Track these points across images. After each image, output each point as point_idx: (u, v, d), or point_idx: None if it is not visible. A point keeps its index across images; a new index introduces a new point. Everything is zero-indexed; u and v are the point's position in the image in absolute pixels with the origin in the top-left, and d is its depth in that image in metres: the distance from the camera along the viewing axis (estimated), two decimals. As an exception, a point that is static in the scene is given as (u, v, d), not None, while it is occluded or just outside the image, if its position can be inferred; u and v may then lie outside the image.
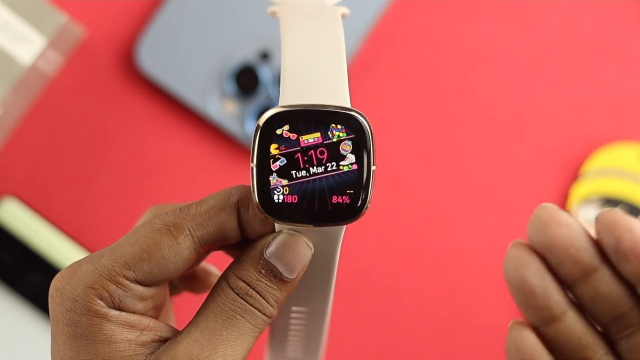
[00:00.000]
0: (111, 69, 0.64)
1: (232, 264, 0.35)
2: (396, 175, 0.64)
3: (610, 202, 0.64)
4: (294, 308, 0.39)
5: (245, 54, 0.63)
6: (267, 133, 0.33)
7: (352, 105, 0.34)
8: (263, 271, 0.35)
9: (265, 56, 0.63)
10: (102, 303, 0.34)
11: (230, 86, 0.63)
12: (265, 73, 0.63)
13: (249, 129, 0.63)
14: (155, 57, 0.63)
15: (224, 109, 0.63)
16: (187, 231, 0.35)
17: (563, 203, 0.62)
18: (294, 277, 0.35)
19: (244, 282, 0.34)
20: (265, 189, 0.34)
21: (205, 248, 0.35)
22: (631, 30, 0.65)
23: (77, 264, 0.35)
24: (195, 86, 0.63)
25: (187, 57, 0.63)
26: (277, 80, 0.63)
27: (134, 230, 0.35)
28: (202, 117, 0.64)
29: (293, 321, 0.40)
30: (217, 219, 0.35)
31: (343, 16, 0.37)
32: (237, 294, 0.34)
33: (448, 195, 0.64)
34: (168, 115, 0.64)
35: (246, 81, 0.63)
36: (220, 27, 0.63)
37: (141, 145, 0.64)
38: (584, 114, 0.65)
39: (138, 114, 0.64)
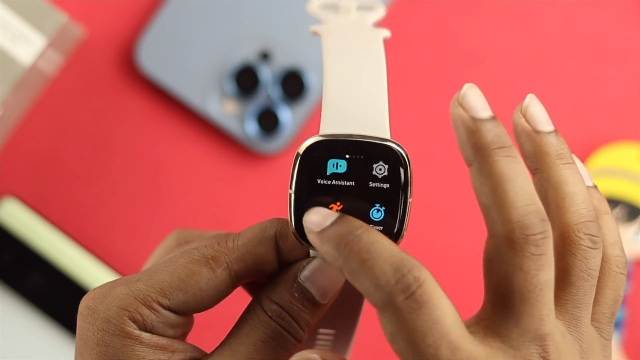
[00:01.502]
0: (111, 69, 0.64)
1: (265, 287, 0.36)
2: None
3: (611, 202, 0.64)
4: (322, 330, 0.39)
5: (245, 54, 0.63)
6: (307, 161, 0.34)
7: (391, 136, 0.34)
8: (297, 295, 0.35)
9: (265, 56, 0.63)
10: (134, 325, 0.34)
11: (230, 86, 0.63)
12: (265, 73, 0.63)
13: (249, 129, 0.63)
14: (155, 57, 0.63)
15: (224, 109, 0.63)
16: (226, 264, 0.35)
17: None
18: (326, 301, 0.35)
19: (278, 305, 0.35)
20: (302, 217, 0.34)
21: (241, 282, 0.36)
22: (631, 30, 0.65)
23: (111, 285, 0.35)
24: (195, 86, 0.63)
25: (187, 57, 0.63)
26: (277, 80, 0.63)
27: (172, 259, 0.35)
28: (202, 117, 0.64)
29: (319, 342, 0.40)
30: (255, 252, 0.35)
31: (384, 39, 0.37)
32: (270, 317, 0.35)
33: (448, 195, 0.64)
34: (168, 115, 0.64)
35: (246, 81, 0.63)
36: (220, 27, 0.63)
37: (141, 145, 0.64)
38: (584, 114, 0.65)
39: (138, 114, 0.64)
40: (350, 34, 0.38)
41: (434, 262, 0.64)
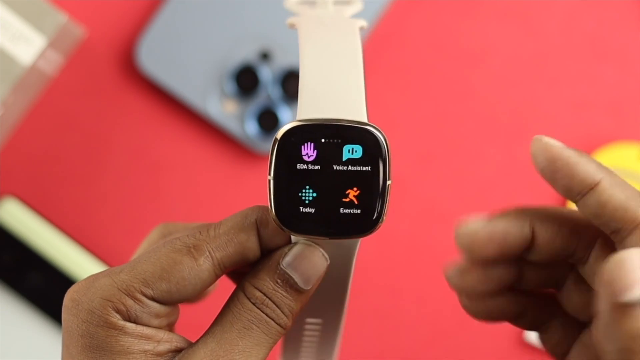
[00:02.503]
0: (111, 69, 0.64)
1: (248, 274, 0.36)
2: (396, 176, 0.64)
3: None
4: (308, 319, 0.39)
5: (245, 54, 0.63)
6: (285, 146, 0.34)
7: (369, 120, 0.34)
8: (279, 281, 0.35)
9: (265, 56, 0.63)
10: (118, 316, 0.34)
11: (230, 86, 0.63)
12: (265, 73, 0.63)
13: (249, 129, 0.63)
14: (155, 57, 0.63)
15: (224, 109, 0.63)
16: (208, 253, 0.35)
17: (563, 203, 0.62)
18: (309, 287, 0.35)
19: (260, 291, 0.35)
20: (281, 202, 0.34)
21: (224, 270, 0.36)
22: (631, 30, 0.65)
23: (95, 277, 0.35)
24: (195, 86, 0.63)
25: (187, 57, 0.63)
26: (277, 80, 0.63)
27: (154, 249, 0.35)
28: (202, 117, 0.64)
29: (307, 332, 0.40)
30: (237, 240, 0.35)
31: (361, 29, 0.37)
32: (254, 304, 0.35)
33: (448, 195, 0.64)
34: (168, 115, 0.64)
35: (246, 81, 0.63)
36: (220, 27, 0.63)
37: (141, 145, 0.64)
38: (584, 114, 0.65)
39: (138, 114, 0.64)
40: (326, 23, 0.38)
41: (434, 262, 0.64)
